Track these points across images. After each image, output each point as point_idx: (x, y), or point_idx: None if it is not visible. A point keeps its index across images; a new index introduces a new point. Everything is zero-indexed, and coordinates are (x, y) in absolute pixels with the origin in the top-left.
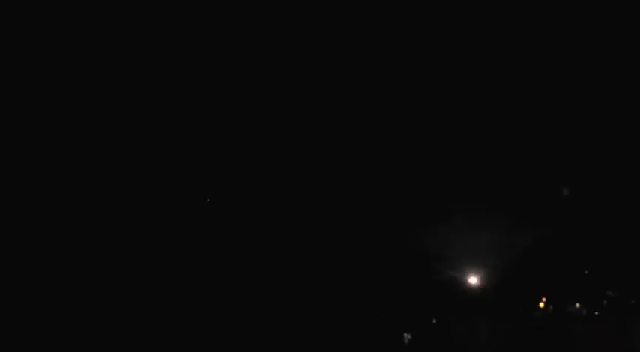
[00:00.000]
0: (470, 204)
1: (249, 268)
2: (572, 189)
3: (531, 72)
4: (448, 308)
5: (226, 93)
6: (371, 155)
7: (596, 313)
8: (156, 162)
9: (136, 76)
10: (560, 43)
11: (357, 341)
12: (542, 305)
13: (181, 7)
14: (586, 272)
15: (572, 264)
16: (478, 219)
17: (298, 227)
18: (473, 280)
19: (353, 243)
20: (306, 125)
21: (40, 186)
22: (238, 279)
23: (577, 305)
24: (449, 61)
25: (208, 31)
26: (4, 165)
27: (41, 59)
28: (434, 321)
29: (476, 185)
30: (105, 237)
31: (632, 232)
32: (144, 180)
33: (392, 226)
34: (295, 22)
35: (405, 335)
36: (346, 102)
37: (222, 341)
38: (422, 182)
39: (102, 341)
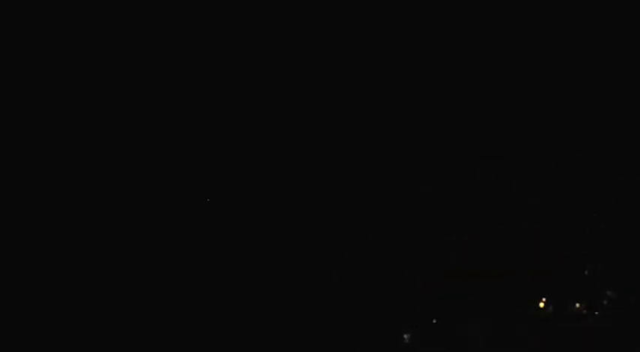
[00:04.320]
0: (468, 202)
1: (249, 268)
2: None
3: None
4: (448, 308)
5: (226, 93)
6: (372, 155)
7: (596, 313)
8: (156, 162)
9: (136, 76)
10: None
11: (357, 341)
12: (542, 305)
13: (181, 7)
14: (586, 272)
15: (572, 264)
16: (478, 218)
17: (298, 226)
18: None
19: (352, 242)
20: (306, 125)
21: (40, 186)
22: (238, 279)
23: (577, 305)
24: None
25: (208, 31)
26: (4, 166)
27: (41, 59)
28: (434, 321)
29: (475, 183)
30: (105, 237)
31: (632, 232)
32: (144, 180)
33: (391, 224)
34: (295, 22)
35: (405, 335)
36: (346, 102)
37: (222, 341)
38: (421, 181)
39: (102, 341)
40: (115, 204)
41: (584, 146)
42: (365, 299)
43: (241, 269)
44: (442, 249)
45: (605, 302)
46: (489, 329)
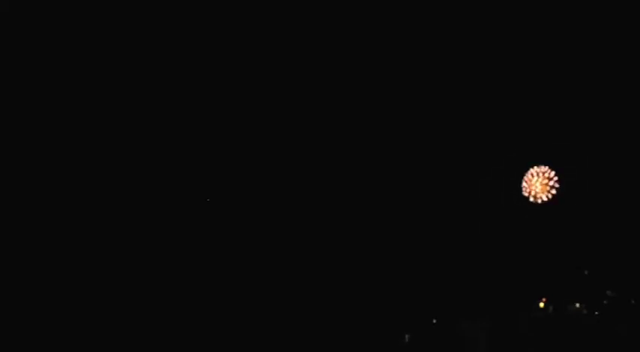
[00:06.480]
0: (468, 202)
1: (249, 268)
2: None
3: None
4: (449, 308)
5: (226, 93)
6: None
7: (596, 313)
8: (156, 162)
9: (136, 76)
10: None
11: (357, 341)
12: (542, 305)
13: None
14: (586, 272)
15: (572, 264)
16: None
17: (298, 226)
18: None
19: (353, 242)
20: (306, 125)
21: (40, 186)
22: (238, 279)
23: (577, 305)
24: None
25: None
26: (4, 166)
27: (41, 59)
28: (434, 321)
29: (475, 184)
30: (105, 237)
31: (632, 232)
32: (144, 180)
33: (392, 226)
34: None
35: (405, 335)
36: (346, 102)
37: (222, 342)
38: (422, 182)
39: (102, 341)
40: (116, 204)
41: (585, 146)
42: (365, 299)
43: (241, 269)
44: (442, 249)
45: (605, 302)
46: (489, 329)
